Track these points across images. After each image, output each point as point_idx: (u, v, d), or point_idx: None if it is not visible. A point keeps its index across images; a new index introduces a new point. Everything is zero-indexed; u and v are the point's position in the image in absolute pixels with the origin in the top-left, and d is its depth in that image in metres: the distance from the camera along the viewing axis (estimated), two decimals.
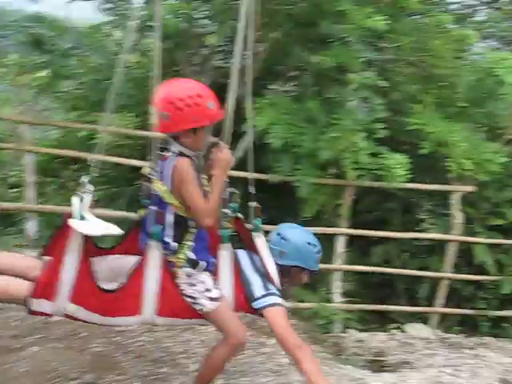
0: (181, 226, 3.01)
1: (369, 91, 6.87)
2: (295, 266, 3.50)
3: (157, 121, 2.93)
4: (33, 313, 2.92)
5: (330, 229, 7.09)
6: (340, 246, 7.19)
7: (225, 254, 3.20)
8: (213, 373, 3.26)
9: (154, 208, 3.03)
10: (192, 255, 3.07)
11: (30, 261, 3.12)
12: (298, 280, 3.62)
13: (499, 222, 7.79)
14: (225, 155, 3.02)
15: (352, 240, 7.39)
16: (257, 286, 3.27)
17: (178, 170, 2.89)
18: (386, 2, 7.38)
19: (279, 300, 3.25)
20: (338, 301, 7.19)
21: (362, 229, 7.38)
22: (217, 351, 3.19)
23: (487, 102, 7.96)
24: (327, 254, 6.07)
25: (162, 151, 3.03)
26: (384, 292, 8.09)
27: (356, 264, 7.51)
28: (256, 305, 3.22)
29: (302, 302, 6.98)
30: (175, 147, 2.99)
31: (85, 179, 2.92)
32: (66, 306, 2.89)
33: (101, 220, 2.93)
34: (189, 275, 3.06)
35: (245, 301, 3.23)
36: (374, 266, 7.63)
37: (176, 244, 3.02)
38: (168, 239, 3.00)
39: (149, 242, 2.95)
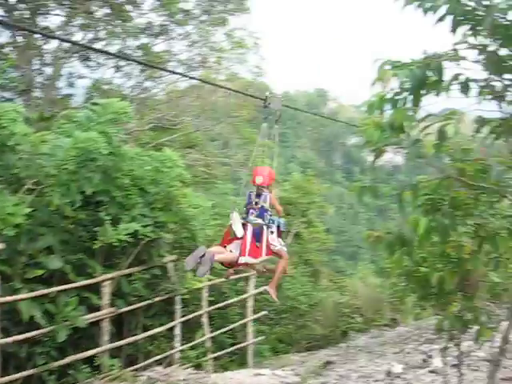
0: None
1: None
2: None
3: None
4: (238, 265, 6.41)
5: None
6: None
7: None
8: (280, 277, 6.83)
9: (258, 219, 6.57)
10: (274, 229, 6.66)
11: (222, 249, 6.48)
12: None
13: (39, 272, 7.70)
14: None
15: None
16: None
17: (273, 197, 6.73)
18: None
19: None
20: None
21: None
22: (281, 264, 6.65)
23: (1, 155, 7.78)
24: None
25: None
26: None
27: None
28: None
29: None
30: (266, 190, 6.69)
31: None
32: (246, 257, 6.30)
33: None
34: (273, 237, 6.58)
35: None
36: None
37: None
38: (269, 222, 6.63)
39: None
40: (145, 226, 8.96)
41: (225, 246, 6.50)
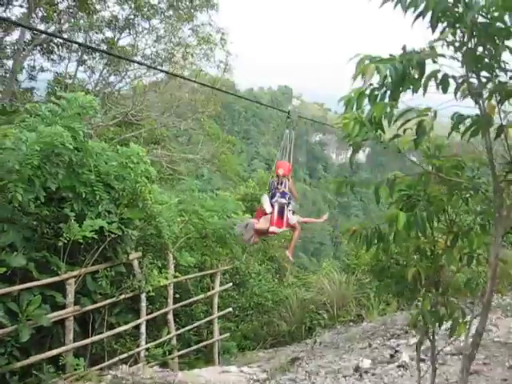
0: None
1: None
2: None
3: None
4: (268, 233, 9.37)
5: None
6: None
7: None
8: (295, 243, 10.07)
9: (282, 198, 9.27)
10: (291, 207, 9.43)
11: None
12: None
13: (1, 270, 7.46)
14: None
15: None
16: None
17: (291, 184, 9.51)
18: None
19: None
20: None
21: None
22: (295, 234, 9.67)
23: None
24: None
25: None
26: None
27: None
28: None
29: None
30: (285, 179, 9.41)
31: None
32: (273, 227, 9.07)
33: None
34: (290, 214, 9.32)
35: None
36: None
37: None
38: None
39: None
40: (110, 223, 8.81)
41: (258, 220, 9.39)
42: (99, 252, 8.95)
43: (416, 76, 2.66)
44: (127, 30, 17.43)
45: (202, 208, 12.33)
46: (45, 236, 8.55)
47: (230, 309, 14.38)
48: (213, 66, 18.82)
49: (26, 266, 7.87)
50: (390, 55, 2.65)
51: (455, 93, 2.82)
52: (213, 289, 13.31)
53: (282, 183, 9.30)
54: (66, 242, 8.27)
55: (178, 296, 11.83)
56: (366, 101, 2.90)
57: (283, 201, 9.17)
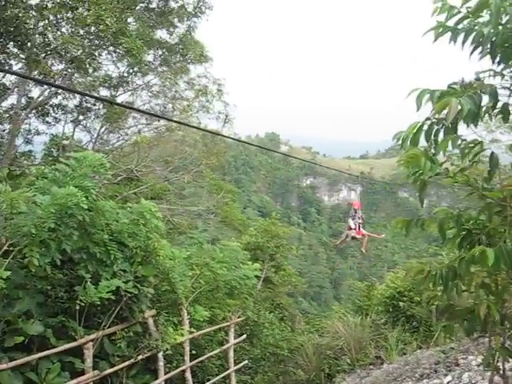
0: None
1: None
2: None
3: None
4: (353, 238, 17.10)
5: None
6: None
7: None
8: (366, 243, 17.81)
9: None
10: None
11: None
12: None
13: (19, 339, 7.21)
14: None
15: None
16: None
17: (361, 214, 17.84)
18: None
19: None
20: None
21: None
22: (365, 238, 17.41)
23: None
24: None
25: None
26: None
27: None
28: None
29: None
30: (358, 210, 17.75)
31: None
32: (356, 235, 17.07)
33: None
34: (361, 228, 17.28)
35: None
36: None
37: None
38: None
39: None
40: (126, 282, 8.61)
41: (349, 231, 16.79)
42: (116, 313, 8.71)
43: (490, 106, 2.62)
44: (122, 88, 17.67)
45: (213, 260, 12.15)
46: (59, 300, 8.32)
47: (246, 361, 14.01)
48: (211, 117, 19.01)
49: (43, 332, 7.62)
50: (450, 87, 2.62)
51: None
52: (227, 342, 12.99)
53: (356, 212, 17.49)
54: (82, 305, 8.05)
55: (194, 352, 11.51)
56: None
57: (359, 221, 17.08)
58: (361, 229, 16.98)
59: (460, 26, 2.85)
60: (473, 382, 7.14)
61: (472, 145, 2.84)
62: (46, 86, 16.52)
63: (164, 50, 18.09)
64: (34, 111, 16.98)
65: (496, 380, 4.03)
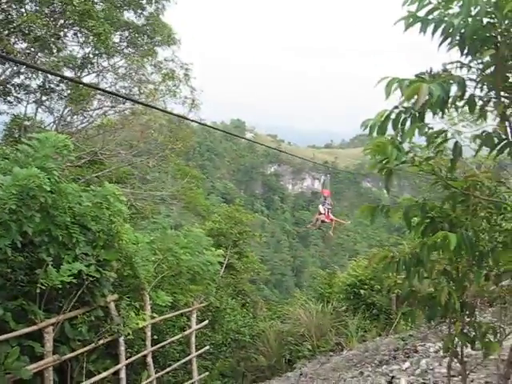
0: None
1: None
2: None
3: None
4: (322, 222, 19.86)
5: None
6: None
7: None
8: (333, 228, 21.24)
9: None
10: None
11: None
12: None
13: None
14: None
15: None
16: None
17: (330, 200, 21.10)
18: None
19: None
20: None
21: None
22: (333, 223, 20.59)
23: None
24: None
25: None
26: None
27: None
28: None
29: None
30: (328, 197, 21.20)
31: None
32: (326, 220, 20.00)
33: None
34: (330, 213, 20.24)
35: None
36: None
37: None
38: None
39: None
40: (88, 266, 8.50)
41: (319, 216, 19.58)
42: (77, 297, 8.60)
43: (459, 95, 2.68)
44: (86, 70, 17.31)
45: (176, 245, 12.08)
46: (18, 283, 8.16)
47: (207, 347, 14.06)
48: (178, 102, 18.80)
49: (2, 316, 7.47)
50: (418, 76, 2.67)
51: (480, 112, 2.85)
52: (189, 328, 13.00)
53: (325, 199, 20.40)
54: (43, 288, 7.91)
55: (155, 337, 11.48)
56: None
57: (329, 207, 19.77)
58: (329, 214, 19.66)
59: (430, 17, 2.90)
60: (430, 367, 7.34)
61: (437, 134, 2.90)
62: (7, 65, 16.07)
63: (131, 31, 17.80)
64: None
65: (453, 366, 4.17)
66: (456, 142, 2.84)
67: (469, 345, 3.48)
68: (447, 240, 2.89)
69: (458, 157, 2.88)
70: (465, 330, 3.46)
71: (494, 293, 3.64)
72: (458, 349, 3.59)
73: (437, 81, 2.58)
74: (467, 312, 3.50)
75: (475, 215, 3.27)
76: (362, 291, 14.90)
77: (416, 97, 2.52)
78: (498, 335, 3.46)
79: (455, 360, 3.62)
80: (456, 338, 3.45)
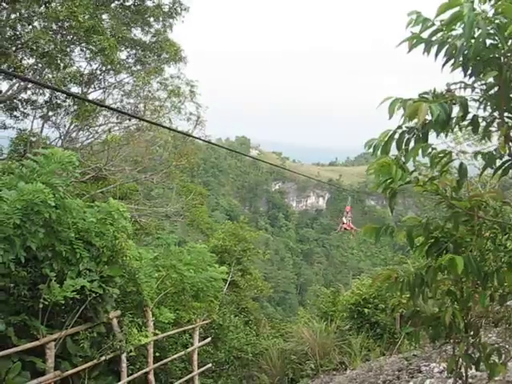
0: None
1: None
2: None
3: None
4: (345, 229, 34.16)
5: None
6: None
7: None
8: (355, 232, 38.21)
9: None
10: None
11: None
12: None
13: None
14: None
15: None
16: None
17: (351, 213, 35.64)
18: None
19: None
20: None
21: None
22: (353, 230, 36.15)
23: None
24: None
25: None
26: None
27: None
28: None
29: None
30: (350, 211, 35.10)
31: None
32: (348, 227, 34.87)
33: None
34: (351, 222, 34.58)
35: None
36: None
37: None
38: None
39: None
40: (91, 282, 8.49)
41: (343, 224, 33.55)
42: (80, 312, 8.58)
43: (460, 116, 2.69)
44: (93, 86, 17.46)
45: (180, 262, 12.06)
46: (21, 298, 8.15)
47: (210, 364, 13.96)
48: (183, 118, 18.90)
49: (4, 331, 7.45)
50: (421, 96, 2.68)
51: (484, 133, 2.86)
52: (191, 345, 12.93)
53: (347, 212, 32.33)
54: (46, 303, 7.90)
55: (158, 354, 11.41)
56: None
57: (349, 218, 31.69)
58: (350, 223, 31.81)
59: (434, 38, 2.92)
60: None
61: (441, 154, 2.91)
62: (15, 80, 16.23)
63: (138, 49, 17.99)
64: (1, 105, 16.63)
65: None
66: (461, 163, 2.85)
67: (473, 366, 3.45)
68: (454, 262, 2.87)
69: (463, 178, 2.88)
70: (469, 351, 3.45)
71: (498, 313, 3.61)
72: (463, 370, 3.57)
73: (439, 101, 2.59)
74: (472, 332, 3.49)
75: (480, 235, 3.28)
76: (365, 310, 14.78)
77: (417, 116, 2.54)
78: (503, 356, 3.43)
79: (459, 381, 3.59)
80: (460, 359, 3.42)
